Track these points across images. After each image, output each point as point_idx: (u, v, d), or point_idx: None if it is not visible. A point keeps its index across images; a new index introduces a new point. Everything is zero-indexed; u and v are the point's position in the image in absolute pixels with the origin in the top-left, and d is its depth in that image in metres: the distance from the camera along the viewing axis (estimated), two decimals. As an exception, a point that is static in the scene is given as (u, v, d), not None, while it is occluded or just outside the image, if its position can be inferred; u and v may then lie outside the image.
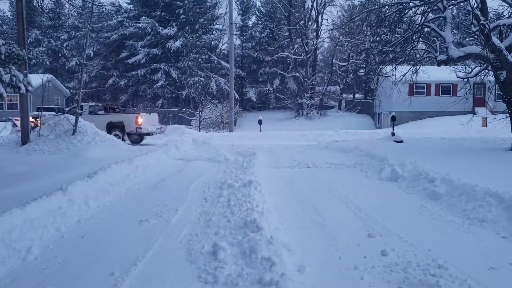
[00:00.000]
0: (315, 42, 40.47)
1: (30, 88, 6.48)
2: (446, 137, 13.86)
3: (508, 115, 10.55)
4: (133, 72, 41.38)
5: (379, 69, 14.26)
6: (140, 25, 41.75)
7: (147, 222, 5.04)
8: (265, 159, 10.57)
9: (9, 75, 6.01)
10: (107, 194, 6.32)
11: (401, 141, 13.06)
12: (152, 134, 16.42)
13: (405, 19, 12.27)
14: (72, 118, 11.88)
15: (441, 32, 10.71)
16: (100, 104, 18.94)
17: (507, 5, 10.84)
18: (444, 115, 25.18)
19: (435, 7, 10.98)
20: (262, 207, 5.27)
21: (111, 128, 15.44)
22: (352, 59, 40.96)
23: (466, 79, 12.43)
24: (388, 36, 12.63)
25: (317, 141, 15.98)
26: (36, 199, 5.16)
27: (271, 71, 43.72)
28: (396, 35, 12.29)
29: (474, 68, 12.87)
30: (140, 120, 15.53)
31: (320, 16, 40.76)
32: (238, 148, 13.35)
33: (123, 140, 14.94)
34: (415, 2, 11.03)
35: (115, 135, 14.79)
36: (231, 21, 21.20)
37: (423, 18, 11.15)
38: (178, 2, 42.20)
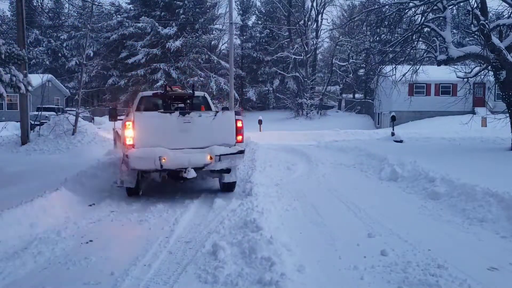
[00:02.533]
0: (315, 42, 40.48)
1: (30, 88, 6.48)
2: (446, 137, 13.88)
3: (508, 115, 10.55)
4: (133, 72, 41.36)
5: (379, 69, 14.27)
6: (140, 25, 41.72)
7: (147, 222, 5.07)
8: (264, 158, 10.55)
9: (9, 75, 6.00)
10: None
11: (401, 141, 13.06)
12: (183, 175, 7.72)
13: (405, 19, 12.26)
14: (72, 118, 11.87)
15: (441, 32, 10.71)
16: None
17: (507, 5, 10.84)
18: (444, 115, 25.17)
19: (435, 7, 10.97)
20: (262, 207, 5.27)
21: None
22: (352, 59, 40.95)
23: (466, 79, 12.43)
24: (388, 36, 12.62)
25: (317, 140, 15.97)
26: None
27: (271, 71, 43.72)
28: (396, 35, 12.28)
29: (474, 68, 12.87)
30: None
31: (320, 16, 40.78)
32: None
33: None
34: (415, 2, 11.03)
35: None
36: (231, 21, 21.18)
37: (423, 18, 11.14)
38: (178, 2, 42.18)
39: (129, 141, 5.80)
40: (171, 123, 5.88)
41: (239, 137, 6.20)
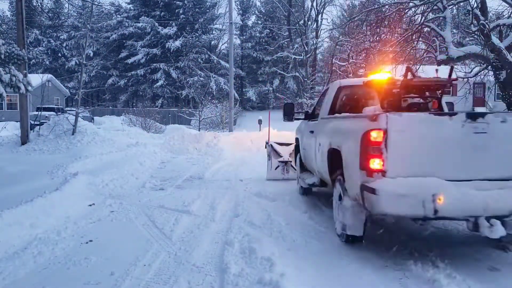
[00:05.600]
0: (314, 41, 40.44)
1: (29, 88, 6.48)
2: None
3: (508, 115, 10.53)
4: (132, 72, 41.40)
5: (379, 69, 14.25)
6: (139, 25, 41.76)
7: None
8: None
9: (8, 75, 6.01)
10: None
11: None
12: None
13: (405, 19, 12.25)
14: (72, 118, 11.86)
15: (441, 32, 10.70)
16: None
17: (507, 5, 10.83)
18: (444, 115, 25.16)
19: (435, 7, 10.97)
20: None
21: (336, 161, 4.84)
22: (352, 59, 40.91)
23: (466, 79, 12.43)
24: (388, 36, 12.62)
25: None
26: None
27: (271, 71, 43.74)
28: (396, 35, 12.28)
29: (474, 68, 12.87)
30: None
31: (319, 16, 40.72)
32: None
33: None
34: (415, 2, 11.02)
35: None
36: (231, 21, 21.21)
37: (423, 18, 11.14)
38: (178, 2, 42.20)
39: (375, 165, 3.44)
40: (452, 134, 3.45)
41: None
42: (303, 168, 6.53)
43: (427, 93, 4.63)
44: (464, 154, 3.44)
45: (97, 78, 45.63)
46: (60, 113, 20.12)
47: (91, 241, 4.37)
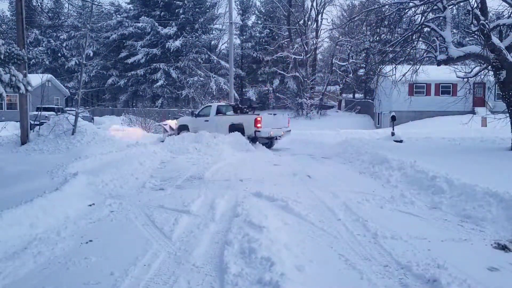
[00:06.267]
0: (314, 41, 40.44)
1: (29, 88, 6.47)
2: (446, 137, 13.84)
3: (507, 115, 10.54)
4: (132, 72, 41.40)
5: (378, 69, 14.23)
6: (139, 24, 41.77)
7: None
8: (264, 159, 10.60)
9: (8, 75, 6.00)
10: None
11: (401, 141, 13.05)
12: (276, 139, 14.77)
13: (405, 19, 12.24)
14: (71, 118, 11.85)
15: (441, 32, 10.69)
16: (230, 104, 17.43)
17: (507, 5, 10.83)
18: (444, 115, 25.18)
19: (435, 7, 10.96)
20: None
21: (233, 130, 14.21)
22: (352, 59, 40.89)
23: (466, 79, 12.41)
24: (388, 36, 12.61)
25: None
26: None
27: (270, 70, 43.73)
28: (396, 35, 12.27)
29: (474, 68, 12.85)
30: (259, 122, 13.96)
31: (319, 16, 40.77)
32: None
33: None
34: (415, 2, 11.02)
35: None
36: (231, 21, 21.21)
37: (423, 18, 11.13)
38: (178, 2, 42.19)
39: (259, 125, 13.60)
40: (271, 118, 14.63)
41: (288, 125, 15.03)
42: (182, 130, 15.81)
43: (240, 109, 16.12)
44: (273, 122, 14.83)
45: (97, 78, 45.64)
46: (60, 113, 20.13)
47: (91, 241, 4.38)
